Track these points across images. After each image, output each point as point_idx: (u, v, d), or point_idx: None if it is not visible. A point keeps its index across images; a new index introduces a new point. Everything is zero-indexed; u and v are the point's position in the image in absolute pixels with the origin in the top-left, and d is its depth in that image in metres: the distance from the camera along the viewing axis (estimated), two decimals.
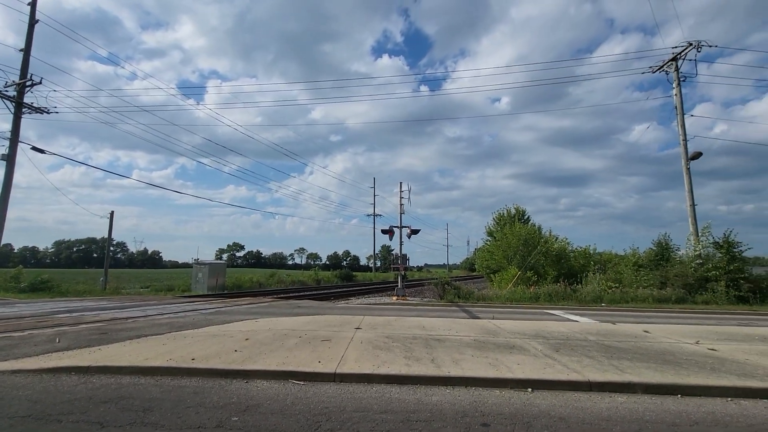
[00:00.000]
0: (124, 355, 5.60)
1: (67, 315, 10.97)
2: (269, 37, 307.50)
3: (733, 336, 8.07)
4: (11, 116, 19.80)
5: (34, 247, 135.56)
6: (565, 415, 3.83)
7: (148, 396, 4.17)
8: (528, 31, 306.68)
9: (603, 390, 4.53)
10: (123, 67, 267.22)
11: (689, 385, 4.56)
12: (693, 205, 19.09)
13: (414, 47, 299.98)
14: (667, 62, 20.30)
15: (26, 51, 20.31)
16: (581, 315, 12.63)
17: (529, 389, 4.52)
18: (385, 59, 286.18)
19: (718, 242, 17.85)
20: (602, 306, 15.81)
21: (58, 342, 6.62)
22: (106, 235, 28.44)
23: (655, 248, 20.64)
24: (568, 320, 11.10)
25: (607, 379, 4.65)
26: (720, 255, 17.51)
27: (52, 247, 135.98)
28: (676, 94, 20.14)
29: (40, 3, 20.65)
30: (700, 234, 18.78)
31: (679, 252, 19.90)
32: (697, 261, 17.96)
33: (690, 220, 19.11)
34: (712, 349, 6.53)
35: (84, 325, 8.77)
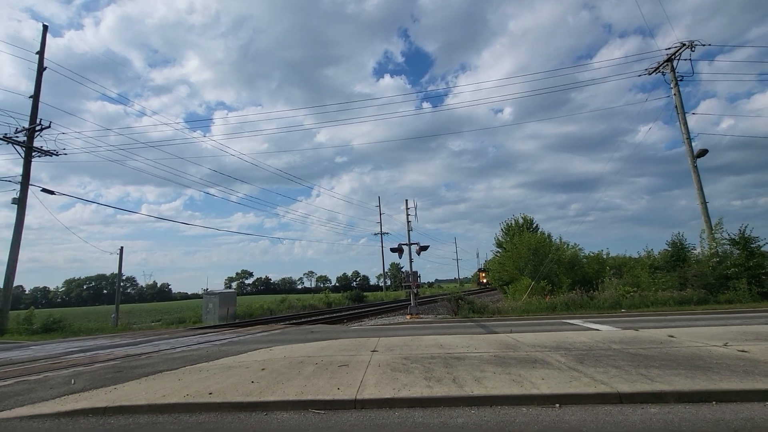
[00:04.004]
0: (140, 393, 5.53)
1: (81, 354, 10.93)
2: (272, 65, 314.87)
3: (761, 335, 7.80)
4: (22, 161, 20.35)
5: (45, 287, 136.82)
6: (598, 430, 3.68)
7: None
8: (527, 41, 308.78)
9: (634, 401, 4.36)
10: (131, 106, 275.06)
11: (723, 390, 4.39)
12: (704, 202, 18.86)
13: (415, 66, 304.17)
14: (662, 64, 20.47)
15: (35, 97, 21.04)
16: (601, 323, 12.33)
17: (557, 405, 4.37)
18: (387, 79, 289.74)
19: (734, 239, 17.50)
20: (622, 312, 15.44)
21: (74, 383, 6.57)
22: (116, 271, 28.68)
23: (670, 249, 20.26)
24: (589, 329, 10.83)
25: (637, 390, 4.48)
26: (738, 252, 17.13)
27: (63, 286, 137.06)
28: (675, 94, 20.21)
29: (53, 49, 21.56)
30: (713, 230, 18.46)
31: (695, 251, 19.52)
32: (715, 259, 17.58)
33: (703, 218, 18.84)
34: (743, 351, 6.30)
35: (99, 364, 8.71)
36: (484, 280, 71.73)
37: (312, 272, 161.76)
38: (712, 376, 4.87)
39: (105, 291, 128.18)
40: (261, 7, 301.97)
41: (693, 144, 19.56)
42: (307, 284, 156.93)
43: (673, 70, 20.20)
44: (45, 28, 21.96)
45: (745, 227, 17.33)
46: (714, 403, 4.25)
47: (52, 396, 5.75)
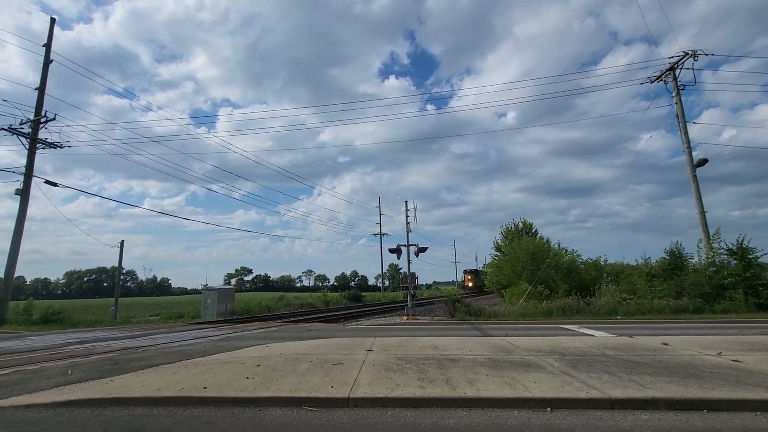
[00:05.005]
0: (136, 385, 5.57)
1: (79, 346, 10.98)
2: (279, 64, 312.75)
3: (756, 346, 7.82)
4: (26, 152, 20.42)
5: (45, 279, 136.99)
6: None
7: (161, 427, 4.13)
8: (532, 47, 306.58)
9: (625, 407, 4.39)
10: (137, 101, 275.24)
11: (715, 399, 4.41)
12: (703, 212, 18.89)
13: (420, 67, 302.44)
14: (665, 72, 20.51)
15: (41, 89, 21.11)
16: (596, 329, 12.36)
17: (549, 409, 4.40)
18: (392, 80, 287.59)
19: (731, 249, 17.54)
20: (617, 319, 15.47)
21: (71, 374, 6.61)
22: (117, 264, 28.70)
23: (667, 257, 20.31)
24: (584, 335, 10.86)
25: (629, 396, 4.51)
26: (735, 262, 17.16)
27: (64, 278, 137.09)
28: (676, 103, 20.25)
29: (62, 42, 21.70)
30: (711, 240, 18.49)
31: (692, 260, 19.56)
32: (712, 269, 17.61)
33: (701, 227, 18.86)
34: (736, 361, 6.33)
35: (96, 356, 8.76)
36: (470, 284, 62.21)
37: (311, 271, 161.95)
38: (704, 385, 4.89)
39: (105, 284, 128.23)
40: (269, 6, 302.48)
41: (693, 153, 19.61)
42: (305, 283, 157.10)
43: (675, 78, 20.24)
44: (53, 21, 22.06)
45: (743, 237, 17.39)
46: (705, 411, 4.27)
47: (48, 386, 5.79)
